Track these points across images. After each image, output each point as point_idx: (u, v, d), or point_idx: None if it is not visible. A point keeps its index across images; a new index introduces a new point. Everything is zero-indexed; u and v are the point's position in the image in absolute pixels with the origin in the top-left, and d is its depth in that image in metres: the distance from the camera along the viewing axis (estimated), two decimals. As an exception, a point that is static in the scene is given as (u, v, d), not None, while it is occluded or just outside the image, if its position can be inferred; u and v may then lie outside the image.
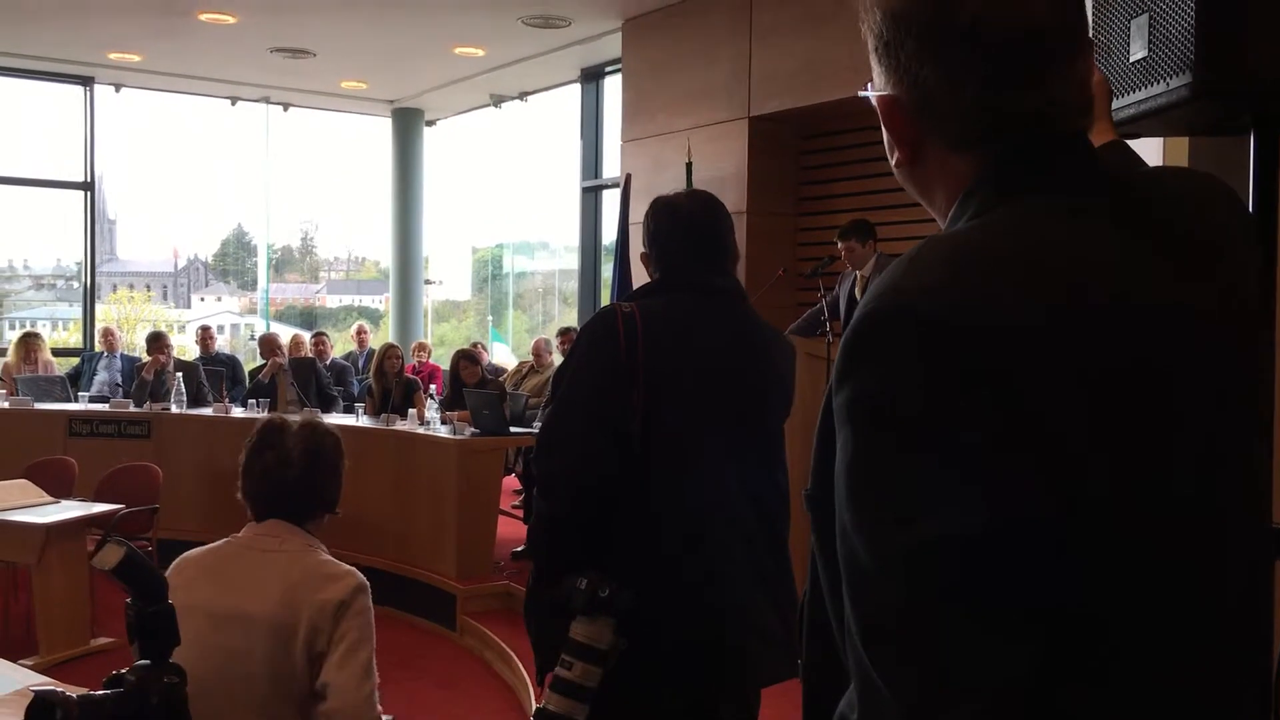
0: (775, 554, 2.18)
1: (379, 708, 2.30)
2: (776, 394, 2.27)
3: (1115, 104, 1.63)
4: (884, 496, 0.83)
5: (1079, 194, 0.93)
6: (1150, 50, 1.58)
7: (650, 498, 2.09)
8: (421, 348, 10.40)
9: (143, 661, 1.83)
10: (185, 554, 2.38)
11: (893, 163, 1.03)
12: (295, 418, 2.46)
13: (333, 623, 2.19)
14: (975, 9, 0.92)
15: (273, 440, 2.37)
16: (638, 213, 7.63)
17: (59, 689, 1.77)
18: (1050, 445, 0.81)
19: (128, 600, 1.89)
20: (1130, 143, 1.41)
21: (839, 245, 6.01)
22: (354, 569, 2.29)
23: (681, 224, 2.29)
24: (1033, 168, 0.94)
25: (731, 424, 2.16)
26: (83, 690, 1.79)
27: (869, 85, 1.02)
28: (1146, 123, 1.65)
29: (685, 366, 2.15)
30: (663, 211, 2.33)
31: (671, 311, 2.21)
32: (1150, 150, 1.62)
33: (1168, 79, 1.54)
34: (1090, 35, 1.56)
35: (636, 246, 7.31)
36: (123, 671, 1.82)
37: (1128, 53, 1.64)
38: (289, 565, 2.25)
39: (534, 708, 2.15)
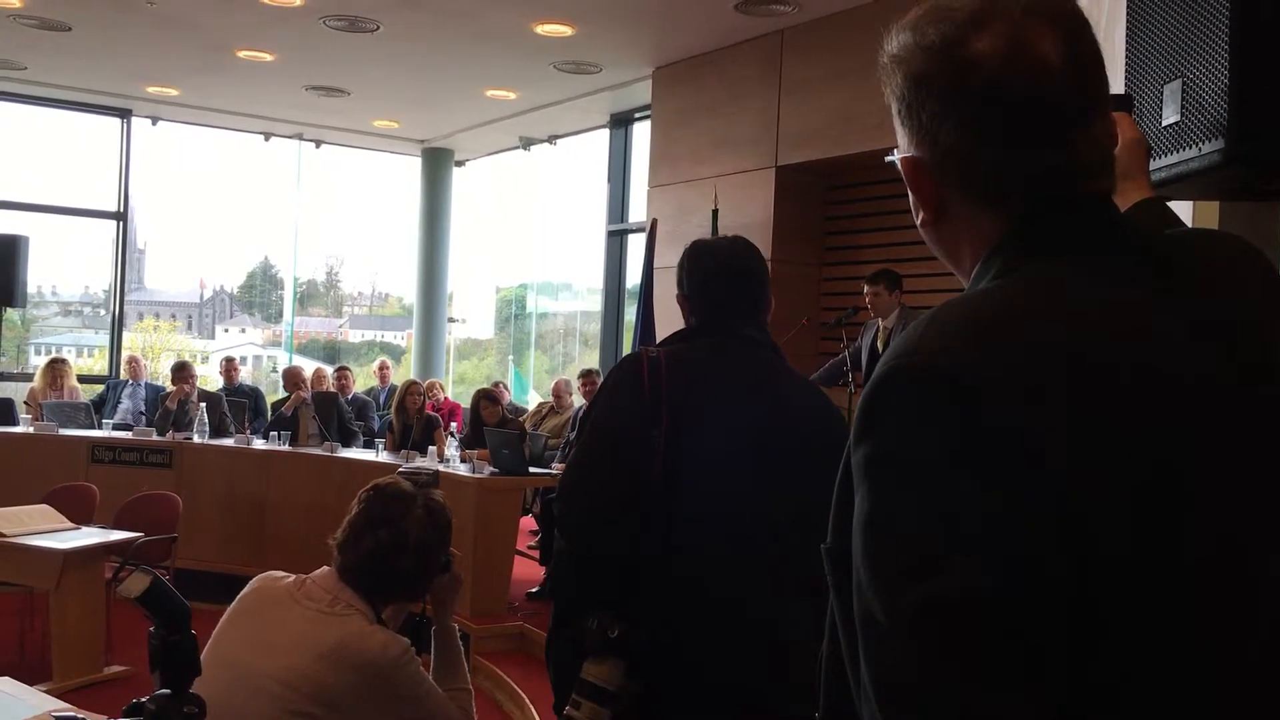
0: (805, 604, 2.14)
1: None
2: (806, 444, 2.22)
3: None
4: (898, 553, 0.83)
5: (1099, 256, 0.94)
6: (1183, 115, 1.59)
7: (672, 540, 2.09)
8: (434, 386, 10.40)
9: (163, 691, 1.84)
10: (268, 578, 2.31)
11: (918, 223, 1.05)
12: (411, 486, 2.33)
13: (368, 689, 2.14)
14: (993, 70, 0.93)
15: (393, 515, 2.27)
16: (662, 257, 7.71)
17: (80, 715, 1.78)
18: (1066, 510, 0.81)
19: (150, 629, 1.90)
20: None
21: (866, 289, 6.04)
22: (397, 636, 2.20)
23: (715, 270, 2.29)
24: (1053, 229, 0.95)
25: (755, 468, 2.15)
26: (101, 718, 1.80)
27: (894, 150, 1.04)
28: (1177, 187, 1.66)
29: (709, 410, 2.15)
30: (701, 256, 2.33)
31: (697, 355, 2.21)
32: (1180, 214, 1.63)
33: (1200, 144, 1.55)
34: (1119, 94, 1.57)
35: (660, 291, 7.37)
36: (142, 700, 1.83)
37: (1160, 117, 1.65)
38: (328, 629, 2.17)
39: None
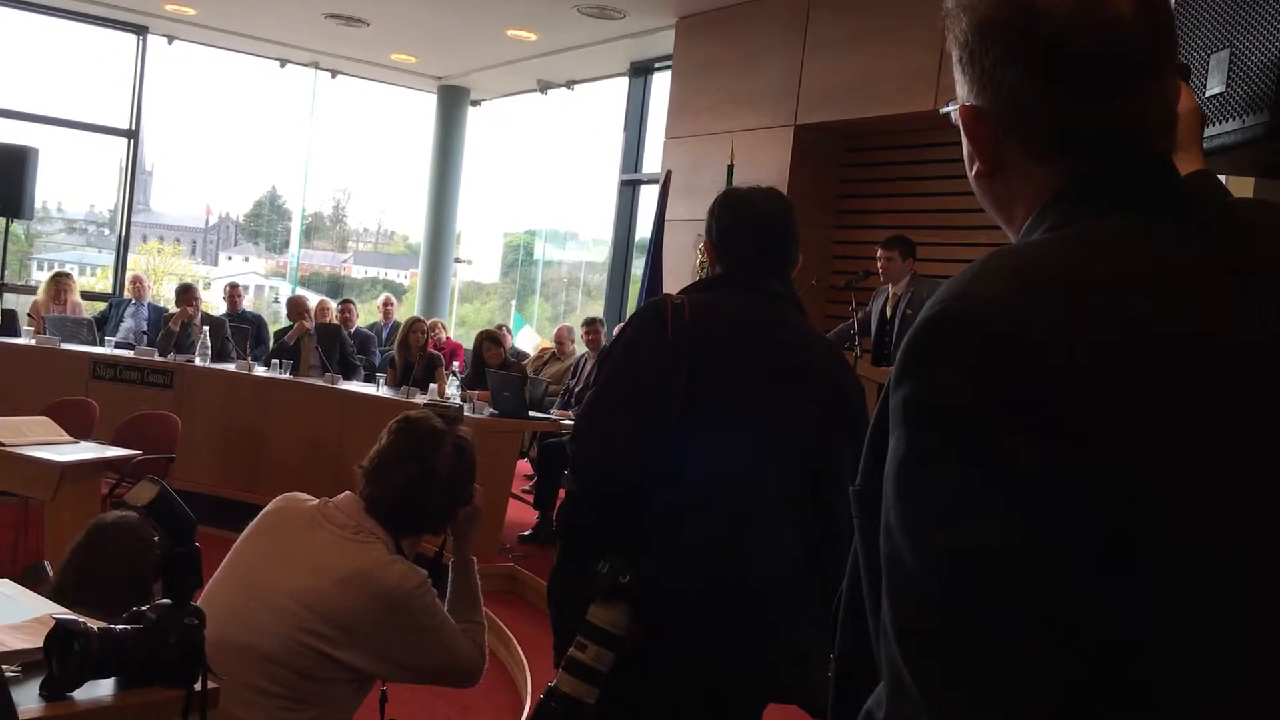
0: (809, 563, 2.14)
1: (472, 654, 2.34)
2: (823, 401, 2.20)
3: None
4: (930, 498, 0.82)
5: (1157, 215, 0.92)
6: (1228, 86, 1.57)
7: (683, 489, 2.08)
8: (437, 325, 10.37)
9: (164, 600, 1.85)
10: (292, 498, 2.33)
11: (972, 175, 1.02)
12: (442, 423, 2.35)
13: (384, 618, 2.17)
14: (1063, 18, 0.91)
15: (423, 450, 2.28)
16: (674, 210, 7.67)
17: (80, 619, 1.78)
18: (1104, 470, 0.80)
19: (155, 538, 1.91)
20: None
21: (879, 253, 6.01)
22: (416, 568, 2.22)
23: (749, 223, 2.26)
24: (1112, 184, 0.93)
25: (773, 424, 2.14)
26: (101, 624, 1.81)
27: (951, 102, 1.02)
28: (1216, 160, 1.64)
29: (730, 361, 2.13)
30: (734, 205, 2.30)
31: (722, 306, 2.19)
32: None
33: (1243, 116, 1.53)
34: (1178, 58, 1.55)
35: (670, 244, 7.31)
36: (143, 609, 1.84)
37: (1204, 87, 1.63)
38: (349, 555, 2.19)
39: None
